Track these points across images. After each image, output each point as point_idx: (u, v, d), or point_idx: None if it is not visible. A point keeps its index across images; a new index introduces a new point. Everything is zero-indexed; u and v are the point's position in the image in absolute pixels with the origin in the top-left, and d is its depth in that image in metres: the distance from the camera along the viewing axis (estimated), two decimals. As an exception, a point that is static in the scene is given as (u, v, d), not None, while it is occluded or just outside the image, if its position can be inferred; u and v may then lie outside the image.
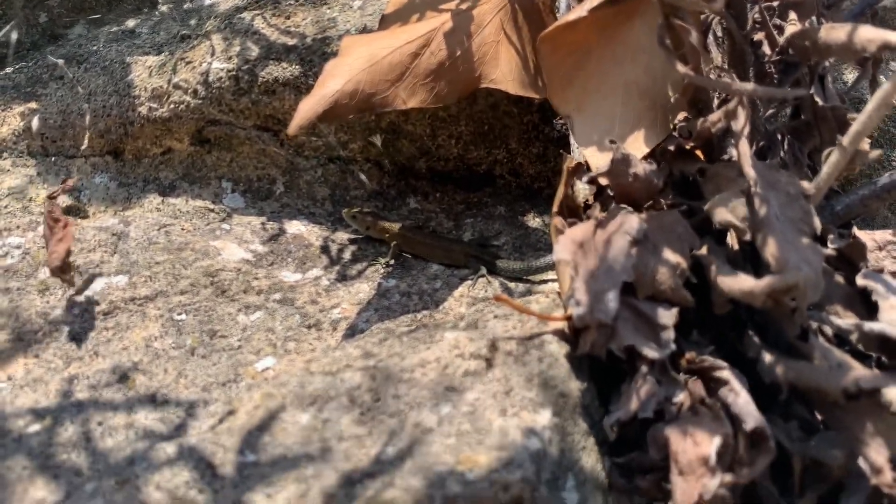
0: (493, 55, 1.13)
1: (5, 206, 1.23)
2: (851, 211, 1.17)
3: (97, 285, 1.09)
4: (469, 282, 1.17)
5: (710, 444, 0.84)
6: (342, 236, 1.28)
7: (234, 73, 1.27)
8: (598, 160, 1.05)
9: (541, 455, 0.85)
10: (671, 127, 1.05)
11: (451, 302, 1.14)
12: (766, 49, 1.09)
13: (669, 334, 0.93)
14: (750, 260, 1.04)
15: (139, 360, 1.01)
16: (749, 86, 0.95)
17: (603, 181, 1.06)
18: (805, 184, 0.97)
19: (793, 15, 1.06)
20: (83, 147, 1.23)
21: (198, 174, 1.34)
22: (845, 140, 0.92)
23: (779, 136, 1.16)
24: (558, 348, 0.98)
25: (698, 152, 1.11)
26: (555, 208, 1.08)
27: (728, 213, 0.91)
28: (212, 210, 1.30)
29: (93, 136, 1.29)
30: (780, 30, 1.06)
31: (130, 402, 0.96)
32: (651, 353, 0.92)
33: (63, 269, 1.05)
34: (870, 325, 0.92)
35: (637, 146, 1.05)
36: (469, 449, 0.84)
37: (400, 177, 1.38)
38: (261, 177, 1.34)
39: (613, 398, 0.97)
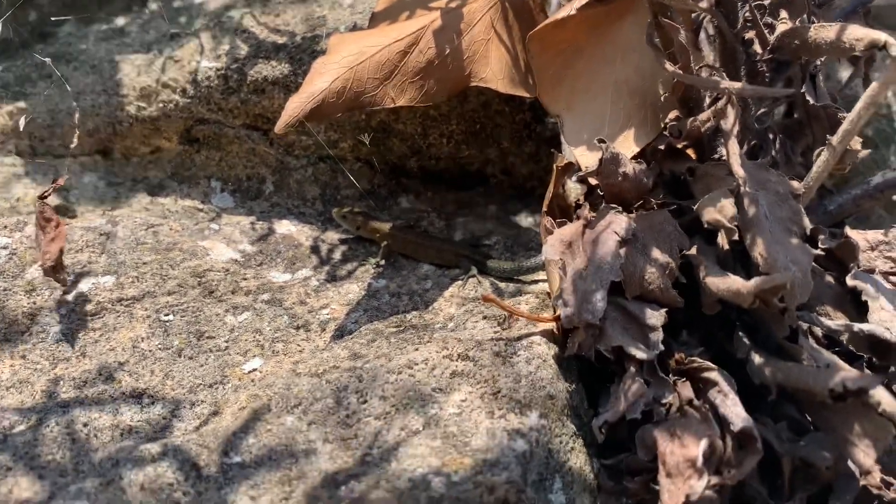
0: (483, 53, 1.12)
1: (-6, 206, 1.23)
2: (844, 210, 1.16)
3: (84, 286, 1.09)
4: (460, 282, 1.17)
5: (697, 446, 0.83)
6: (332, 236, 1.27)
7: (223, 71, 1.26)
8: (588, 159, 1.04)
9: (527, 457, 0.84)
10: (662, 125, 1.05)
11: (441, 302, 1.13)
12: (758, 47, 1.08)
13: (658, 335, 0.92)
14: (740, 260, 1.03)
15: (126, 360, 1.00)
16: (737, 85, 0.95)
17: (592, 181, 1.05)
18: (794, 183, 0.97)
19: (784, 13, 1.06)
20: (72, 146, 1.23)
21: (187, 173, 1.33)
22: (835, 139, 0.92)
23: (770, 135, 1.15)
24: (546, 349, 0.98)
25: (689, 151, 1.10)
26: (544, 208, 1.08)
27: (717, 212, 0.90)
28: (200, 210, 1.29)
29: (81, 136, 1.28)
30: (772, 28, 1.06)
31: (116, 403, 0.95)
32: (639, 353, 0.91)
33: (56, 269, 1.04)
34: (859, 326, 0.92)
35: (627, 145, 1.04)
36: (455, 451, 0.83)
37: (391, 176, 1.37)
38: (250, 176, 1.34)
39: (602, 399, 0.97)
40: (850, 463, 0.87)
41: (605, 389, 0.98)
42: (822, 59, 1.09)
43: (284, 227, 1.27)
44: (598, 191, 1.06)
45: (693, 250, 0.98)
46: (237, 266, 1.17)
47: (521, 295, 1.13)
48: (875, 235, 1.08)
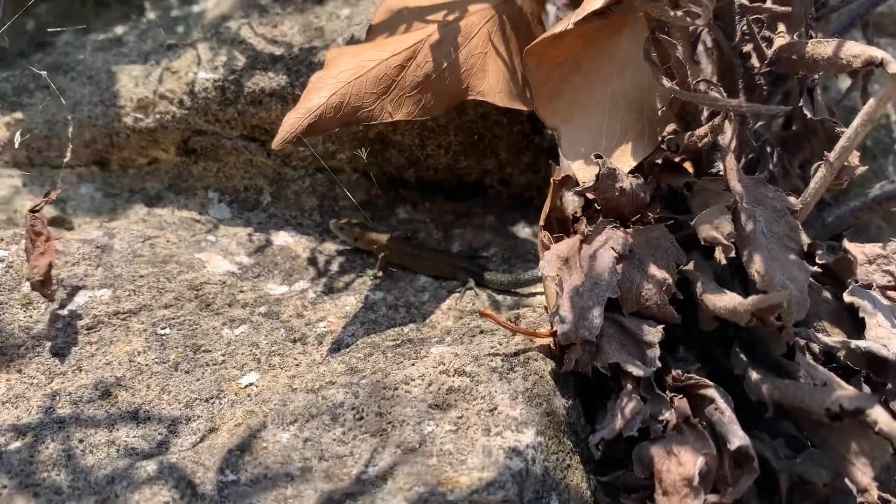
0: (480, 67, 1.12)
1: (-10, 217, 1.23)
2: (842, 223, 1.16)
3: (81, 299, 1.08)
4: (457, 294, 1.17)
5: (693, 464, 0.83)
6: (330, 247, 1.27)
7: (220, 83, 1.26)
8: (585, 173, 1.04)
9: (524, 475, 0.84)
10: (659, 139, 1.04)
11: (438, 315, 1.13)
12: (755, 61, 1.08)
13: (655, 352, 0.92)
14: (737, 274, 1.03)
15: (122, 375, 1.00)
16: (735, 101, 0.94)
17: (590, 195, 1.05)
18: (792, 199, 0.97)
19: (781, 27, 1.05)
20: (68, 157, 1.22)
21: (184, 184, 1.33)
22: (832, 156, 0.92)
23: (768, 148, 1.15)
24: (543, 365, 0.98)
25: (686, 165, 1.10)
26: (542, 221, 1.07)
27: (713, 229, 0.90)
28: (198, 221, 1.29)
29: (78, 147, 1.28)
30: (769, 42, 1.05)
31: (112, 419, 0.95)
32: (636, 370, 0.91)
33: (44, 283, 1.04)
34: (857, 343, 0.91)
35: (624, 160, 1.04)
36: (451, 469, 0.83)
37: (389, 187, 1.37)
38: (248, 187, 1.33)
39: (599, 415, 0.97)
40: (847, 480, 0.87)
41: (601, 405, 0.98)
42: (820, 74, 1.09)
43: (282, 238, 1.27)
44: (596, 205, 1.05)
45: (690, 266, 0.97)
46: (234, 278, 1.17)
47: (519, 308, 1.13)
48: (873, 249, 1.08)
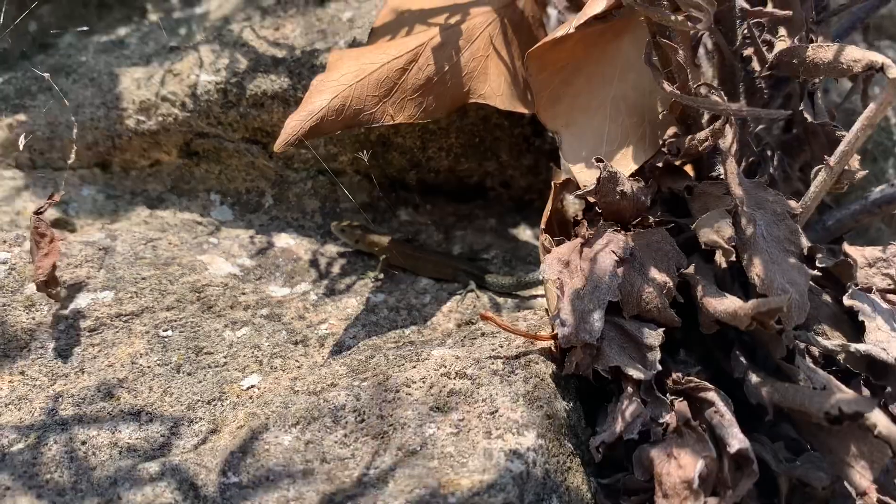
0: (482, 70, 1.12)
1: (-7, 219, 1.23)
2: (843, 226, 1.16)
3: (83, 301, 1.09)
4: (458, 296, 1.17)
5: (693, 467, 0.84)
6: (331, 249, 1.27)
7: (222, 85, 1.27)
8: (586, 177, 1.04)
9: (524, 477, 0.84)
10: (660, 143, 1.05)
11: (439, 317, 1.13)
12: (756, 65, 1.08)
13: (655, 355, 0.92)
14: (738, 277, 1.03)
15: (124, 377, 1.01)
16: (735, 105, 0.95)
17: (591, 199, 1.05)
18: (792, 202, 0.97)
19: (782, 30, 1.06)
20: (72, 159, 1.23)
21: (186, 186, 1.33)
22: (832, 160, 0.92)
23: (769, 152, 1.16)
24: (544, 368, 0.98)
25: (687, 168, 1.10)
26: (543, 224, 1.08)
27: (714, 233, 0.90)
28: (200, 223, 1.29)
29: (81, 149, 1.29)
30: (770, 45, 1.06)
31: (115, 421, 0.95)
32: (637, 373, 0.91)
33: (49, 284, 1.05)
34: (856, 346, 0.92)
35: (625, 163, 1.05)
36: (452, 472, 0.83)
37: (390, 189, 1.37)
38: (250, 189, 1.34)
39: (599, 418, 0.97)
40: (846, 484, 0.87)
41: (602, 408, 0.98)
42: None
43: (283, 240, 1.28)
44: (597, 208, 1.06)
45: (691, 269, 0.98)
46: (236, 280, 1.17)
47: (521, 310, 1.13)
48: (873, 252, 1.08)
